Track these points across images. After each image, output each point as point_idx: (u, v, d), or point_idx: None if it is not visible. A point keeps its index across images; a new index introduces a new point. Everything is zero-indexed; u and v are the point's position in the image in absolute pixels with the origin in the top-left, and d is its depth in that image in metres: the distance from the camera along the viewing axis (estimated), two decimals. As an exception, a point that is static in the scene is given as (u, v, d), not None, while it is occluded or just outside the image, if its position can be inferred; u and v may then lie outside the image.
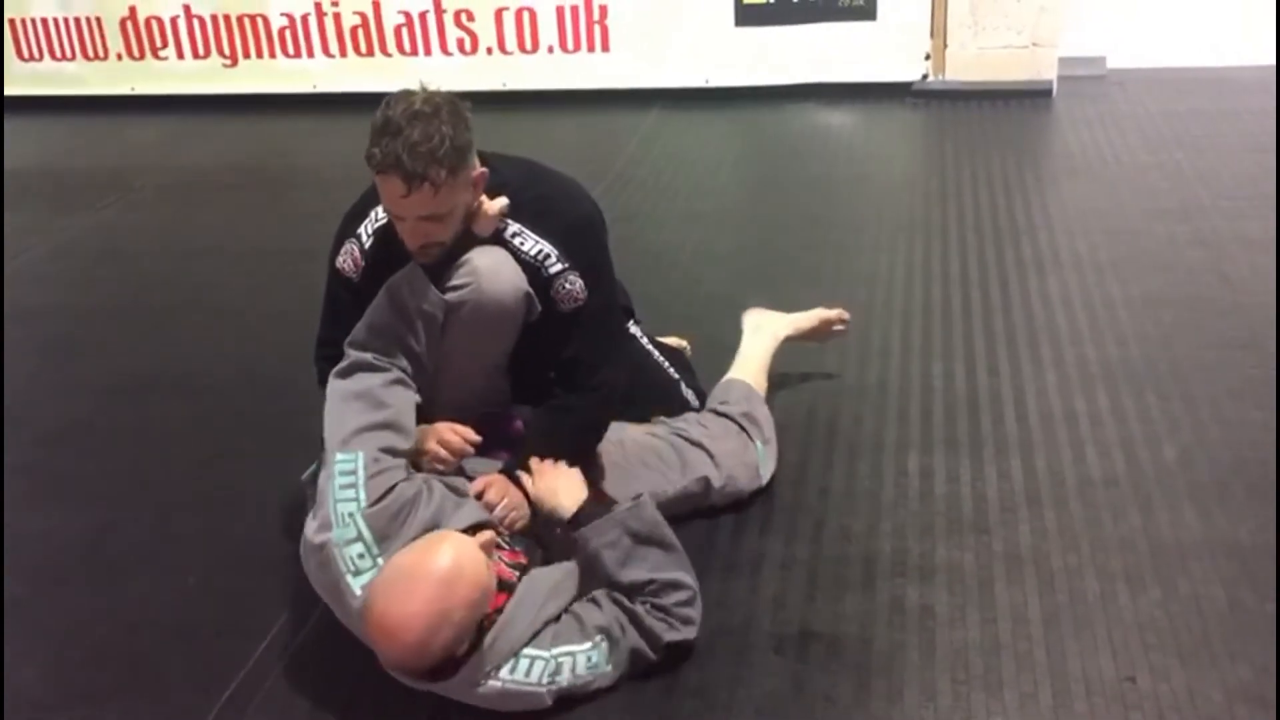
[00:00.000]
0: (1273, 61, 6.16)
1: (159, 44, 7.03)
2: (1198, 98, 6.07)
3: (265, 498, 3.16)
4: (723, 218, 5.11)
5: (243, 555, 2.99)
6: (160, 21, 6.97)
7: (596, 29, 6.58)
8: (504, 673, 2.31)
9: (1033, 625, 2.55)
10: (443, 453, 2.66)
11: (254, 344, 4.14)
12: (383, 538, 2.37)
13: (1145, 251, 4.36)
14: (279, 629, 2.70)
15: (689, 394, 3.19)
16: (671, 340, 3.42)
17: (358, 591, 2.34)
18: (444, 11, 6.68)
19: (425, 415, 2.67)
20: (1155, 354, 3.62)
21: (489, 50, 6.72)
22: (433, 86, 2.52)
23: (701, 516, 2.94)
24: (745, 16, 6.43)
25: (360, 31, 6.80)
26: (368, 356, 2.60)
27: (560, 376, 2.76)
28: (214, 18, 6.91)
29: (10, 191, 5.75)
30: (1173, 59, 6.49)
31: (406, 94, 2.48)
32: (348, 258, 2.72)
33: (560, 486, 2.60)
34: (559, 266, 2.67)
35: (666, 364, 3.20)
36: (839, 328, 3.58)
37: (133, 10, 6.97)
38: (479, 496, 2.58)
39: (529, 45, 6.67)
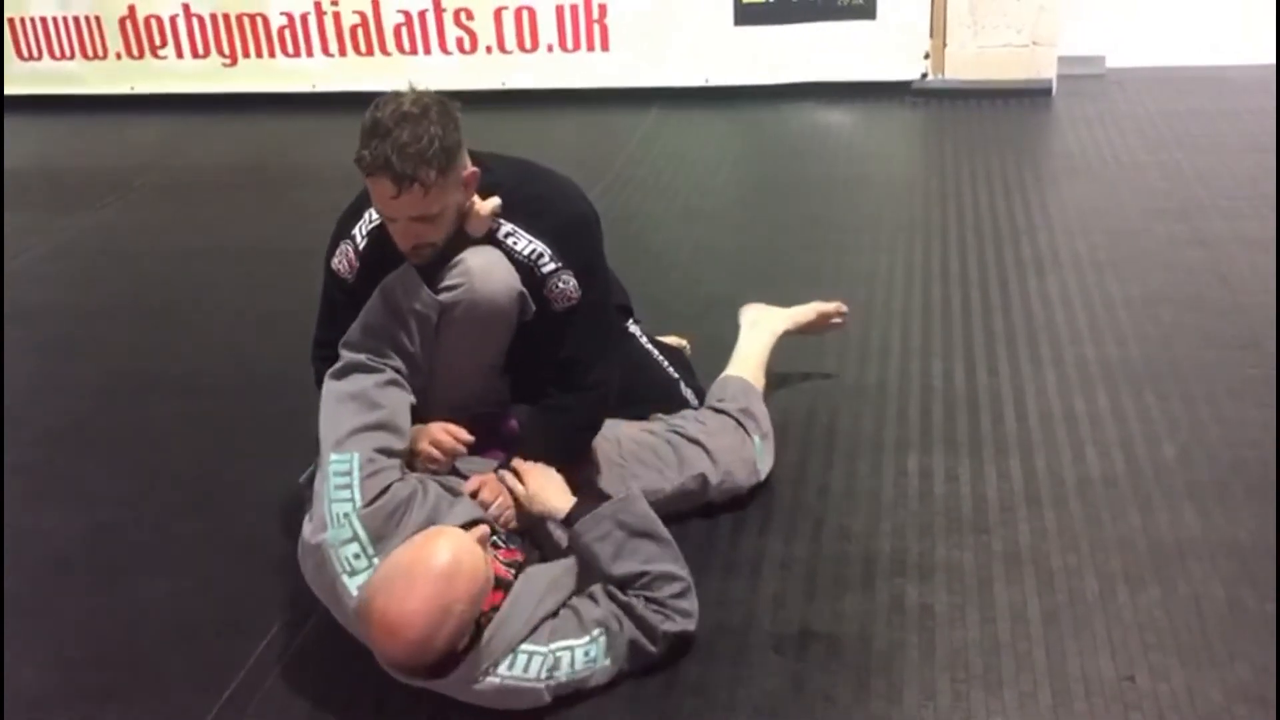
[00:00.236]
0: (1272, 61, 6.15)
1: (158, 43, 7.02)
2: (1197, 97, 6.07)
3: (266, 497, 3.17)
4: (722, 217, 5.11)
5: (242, 555, 2.99)
6: (160, 21, 6.97)
7: (596, 28, 6.57)
8: (502, 669, 2.31)
9: (1032, 625, 2.55)
10: (435, 453, 2.66)
11: (254, 343, 4.14)
12: (378, 538, 2.37)
13: (1144, 251, 4.36)
14: (279, 628, 2.70)
15: (688, 393, 3.19)
16: (671, 339, 3.42)
17: (354, 592, 2.34)
18: (443, 10, 6.67)
19: (421, 415, 2.68)
20: (1154, 354, 3.62)
21: (488, 49, 6.71)
22: (422, 86, 2.52)
23: (700, 515, 2.95)
24: (745, 16, 6.43)
25: (360, 31, 6.80)
26: (362, 358, 2.60)
27: (554, 376, 2.76)
28: (213, 17, 6.90)
29: (10, 191, 5.75)
30: (1172, 58, 6.49)
31: (395, 95, 2.48)
32: (343, 259, 2.72)
33: (549, 485, 2.61)
34: (552, 266, 2.67)
35: (666, 363, 3.21)
36: (837, 321, 3.58)
37: (132, 9, 6.96)
38: (473, 495, 2.58)
39: (528, 44, 6.67)
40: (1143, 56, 6.50)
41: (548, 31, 6.63)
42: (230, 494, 3.26)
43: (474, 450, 2.73)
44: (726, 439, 3.00)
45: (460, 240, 2.62)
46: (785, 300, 3.56)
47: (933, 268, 4.33)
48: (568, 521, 2.54)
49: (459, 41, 6.72)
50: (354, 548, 2.36)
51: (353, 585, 2.34)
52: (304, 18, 6.82)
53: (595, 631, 2.40)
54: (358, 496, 2.41)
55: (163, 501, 3.26)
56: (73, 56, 7.14)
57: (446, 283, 2.61)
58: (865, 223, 4.81)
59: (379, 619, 2.23)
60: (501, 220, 2.66)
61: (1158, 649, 2.46)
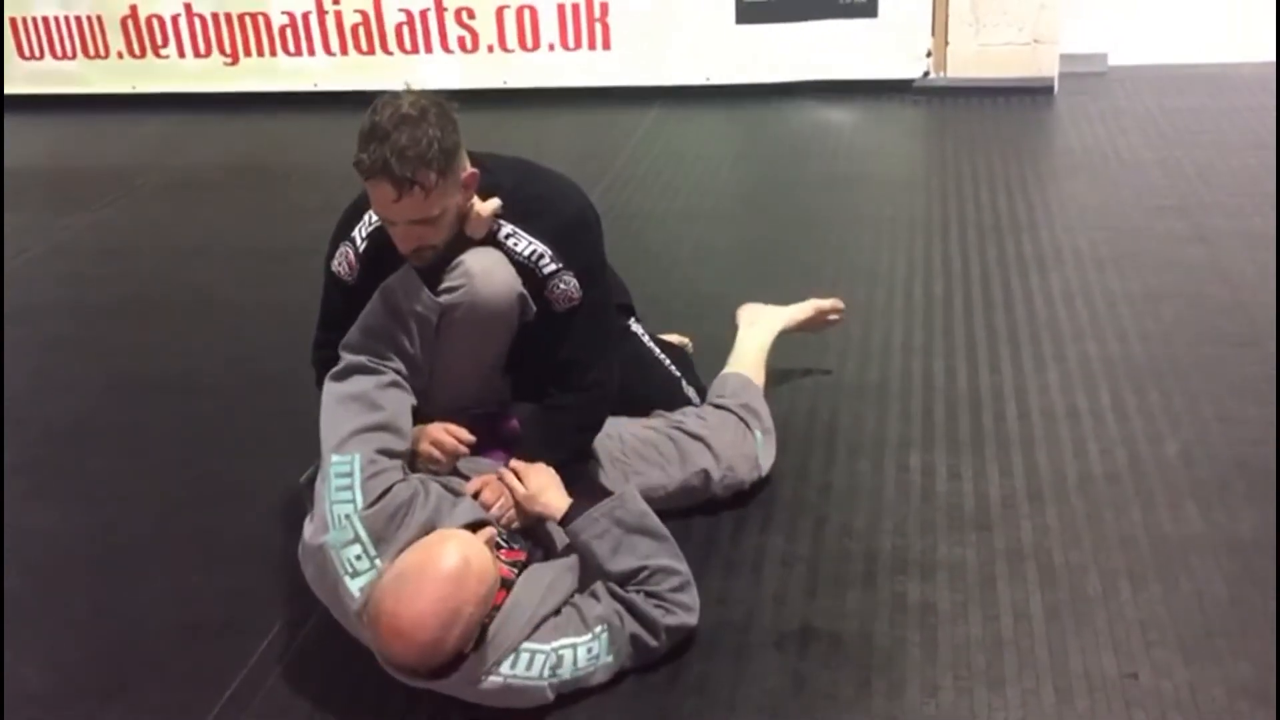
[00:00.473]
0: (1274, 58, 6.15)
1: (160, 42, 7.02)
2: (1199, 94, 6.07)
3: (267, 496, 3.17)
4: (723, 216, 5.11)
5: (244, 553, 2.99)
6: (161, 20, 6.97)
7: (597, 26, 6.58)
8: (504, 668, 2.31)
9: (1035, 622, 2.55)
10: (436, 453, 2.66)
11: (256, 342, 4.14)
12: (380, 539, 2.37)
13: (1146, 248, 4.36)
14: (280, 627, 2.70)
15: (690, 391, 3.19)
16: (672, 338, 3.42)
17: (356, 594, 2.34)
18: (445, 10, 6.68)
19: (422, 417, 2.67)
20: (1156, 350, 3.62)
21: (490, 48, 6.72)
22: (421, 87, 2.51)
23: (702, 513, 2.95)
24: (746, 14, 6.43)
25: (361, 30, 6.80)
26: (363, 359, 2.60)
27: (555, 376, 2.75)
28: (215, 16, 6.91)
29: (12, 190, 5.75)
30: (1174, 56, 6.49)
31: (392, 98, 2.47)
32: (342, 261, 2.72)
33: (549, 485, 2.61)
34: (553, 267, 2.66)
35: (668, 361, 3.20)
36: (834, 317, 3.58)
37: (134, 9, 6.97)
38: (475, 496, 2.58)
39: (530, 43, 6.67)
40: (1144, 54, 6.50)
41: (549, 30, 6.63)
42: (232, 493, 3.26)
43: (475, 450, 2.73)
44: (728, 434, 3.00)
45: (460, 242, 2.62)
46: (787, 299, 3.56)
47: (934, 265, 4.33)
48: (564, 521, 2.54)
49: (460, 40, 6.72)
50: (356, 549, 2.36)
51: (354, 587, 2.34)
52: (305, 17, 6.82)
53: (598, 629, 2.40)
54: (359, 498, 2.40)
55: (164, 500, 3.26)
56: (75, 56, 7.15)
57: (447, 284, 2.60)
58: (867, 221, 4.81)
59: (388, 622, 2.23)
60: (502, 221, 2.66)
61: (1160, 646, 2.46)
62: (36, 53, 7.19)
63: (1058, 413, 3.33)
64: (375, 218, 2.62)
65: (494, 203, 2.62)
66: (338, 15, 6.79)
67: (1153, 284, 4.06)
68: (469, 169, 2.54)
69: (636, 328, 3.18)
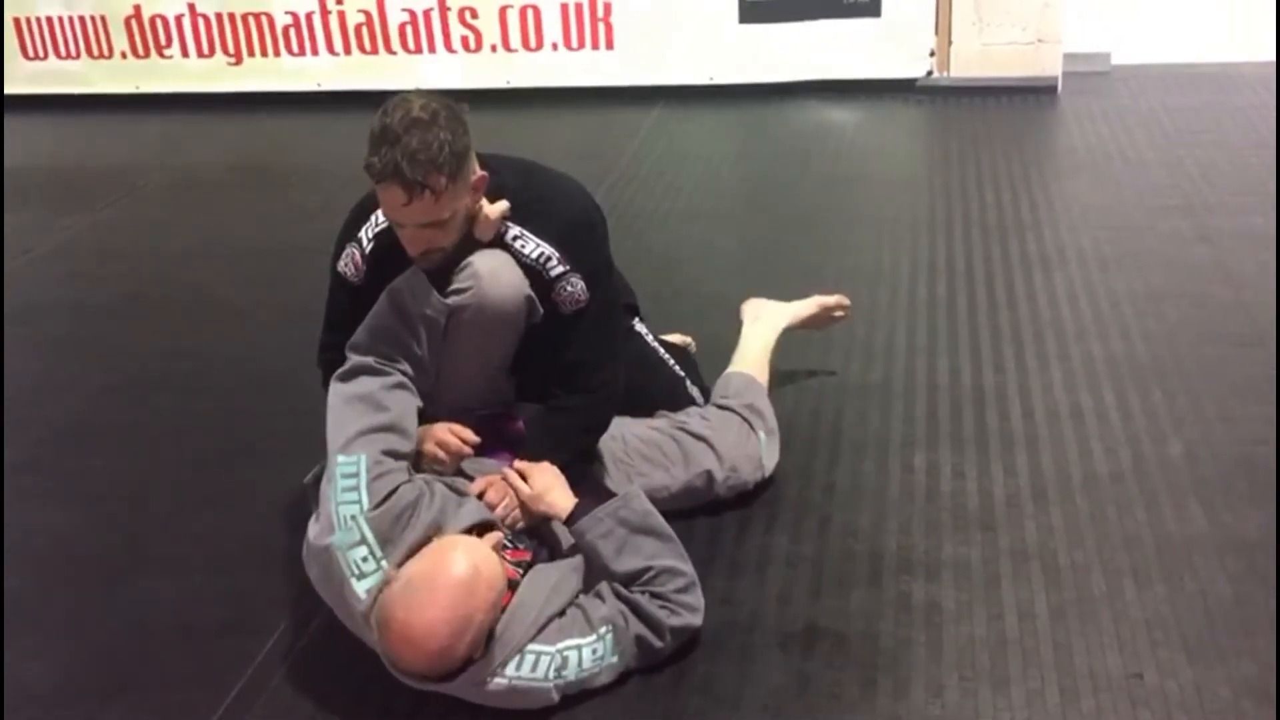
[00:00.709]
0: (1275, 58, 6.14)
1: (163, 42, 7.02)
2: (1203, 94, 6.07)
3: (271, 496, 3.17)
4: (726, 215, 5.11)
5: (246, 554, 2.99)
6: (165, 20, 6.97)
7: (600, 26, 6.57)
8: (510, 669, 2.31)
9: (1039, 621, 2.55)
10: (441, 454, 2.66)
11: (259, 342, 4.14)
12: (386, 540, 2.36)
13: (1149, 247, 4.36)
14: (285, 627, 2.70)
15: (694, 391, 3.19)
16: (675, 338, 3.42)
17: (362, 595, 2.33)
18: (448, 9, 6.67)
19: (427, 417, 2.67)
20: (1160, 350, 3.62)
21: (493, 48, 6.71)
22: (428, 87, 2.51)
23: (706, 513, 2.95)
24: (749, 14, 6.42)
25: (364, 30, 6.80)
26: (369, 360, 2.60)
27: (561, 377, 2.75)
28: (218, 16, 6.90)
29: (15, 190, 5.75)
30: (1178, 55, 6.48)
31: (403, 100, 2.45)
32: (349, 262, 2.71)
33: (554, 485, 2.61)
34: (560, 269, 2.67)
35: (672, 361, 3.20)
36: (839, 314, 3.57)
37: (137, 9, 6.97)
38: (480, 496, 2.58)
39: (533, 43, 6.67)
40: (1148, 53, 6.49)
41: (552, 30, 6.62)
42: (235, 493, 3.26)
43: (480, 451, 2.73)
44: (732, 435, 3.00)
45: (468, 244, 2.62)
46: (790, 298, 3.55)
47: (938, 264, 4.33)
48: (569, 521, 2.54)
49: (464, 40, 6.72)
50: (362, 550, 2.36)
51: (361, 589, 2.34)
52: (309, 17, 6.82)
53: (603, 629, 2.39)
54: (365, 499, 2.40)
55: (167, 500, 3.26)
56: (78, 56, 7.14)
57: (455, 286, 2.60)
58: (870, 220, 4.81)
59: (399, 630, 2.23)
60: (509, 224, 2.66)
61: (1165, 645, 2.45)
62: (40, 52, 7.18)
63: (1061, 412, 3.33)
64: (382, 218, 2.62)
65: (502, 205, 2.62)
66: (341, 15, 6.79)
67: (1156, 283, 4.05)
68: (478, 172, 2.53)
69: (640, 328, 3.18)
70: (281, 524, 3.04)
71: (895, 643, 2.52)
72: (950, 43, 6.34)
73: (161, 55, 7.04)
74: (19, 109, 6.99)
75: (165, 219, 5.52)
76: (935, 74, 6.40)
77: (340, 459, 2.46)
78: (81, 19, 7.06)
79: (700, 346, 3.49)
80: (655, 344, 3.20)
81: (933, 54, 6.37)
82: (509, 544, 2.49)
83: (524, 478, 2.63)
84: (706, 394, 3.20)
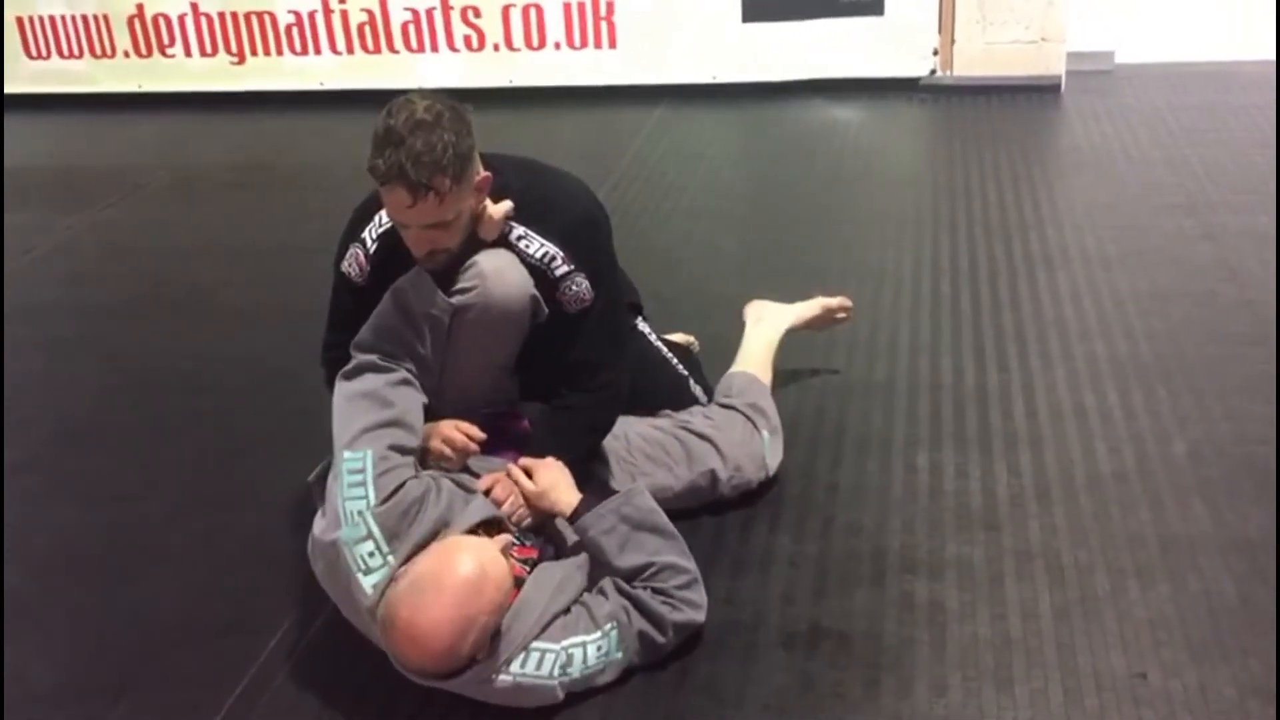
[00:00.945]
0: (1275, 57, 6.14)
1: (166, 42, 7.03)
2: (1206, 92, 6.06)
3: (274, 495, 3.16)
4: (729, 214, 5.10)
5: (251, 552, 2.99)
6: (168, 19, 6.97)
7: (603, 25, 6.57)
8: (514, 667, 2.31)
9: (1043, 621, 2.55)
10: (447, 451, 2.66)
11: (262, 341, 4.14)
12: (392, 536, 2.36)
13: (1153, 246, 4.35)
14: (289, 626, 2.70)
15: (697, 391, 3.19)
16: (678, 337, 3.41)
17: (369, 590, 2.33)
18: (451, 8, 6.68)
19: (432, 416, 2.67)
20: (1164, 349, 3.61)
21: (495, 47, 6.72)
22: (430, 86, 2.50)
23: (710, 512, 2.94)
24: (752, 12, 6.42)
25: (367, 29, 6.80)
26: (374, 358, 2.60)
27: (565, 377, 2.75)
28: (221, 15, 6.91)
29: (17, 189, 5.75)
30: (1181, 54, 6.48)
31: (407, 101, 2.45)
32: (352, 262, 2.71)
33: (559, 482, 2.61)
34: (565, 269, 2.66)
35: (675, 361, 3.20)
36: (841, 316, 3.57)
37: (140, 8, 6.98)
38: (486, 493, 2.58)
39: (536, 42, 6.67)
40: (1152, 52, 6.49)
41: (555, 29, 6.63)
42: (238, 492, 3.27)
43: (486, 450, 2.72)
44: (735, 434, 3.00)
45: (473, 244, 2.61)
46: (793, 298, 3.55)
47: (942, 264, 4.33)
48: (573, 518, 2.54)
49: (466, 39, 6.73)
50: (369, 546, 2.35)
51: (368, 584, 2.34)
52: (311, 16, 6.82)
53: (607, 626, 2.40)
54: (371, 494, 2.40)
55: (171, 499, 3.26)
56: (81, 55, 7.15)
57: (459, 285, 2.60)
58: (873, 219, 4.80)
59: (405, 629, 2.23)
60: (514, 224, 2.66)
61: (1169, 645, 2.45)
62: (43, 52, 7.19)
63: (1065, 411, 3.33)
64: (385, 218, 2.62)
65: (506, 205, 2.62)
66: (343, 14, 6.79)
67: (1160, 282, 4.05)
68: (482, 172, 2.53)
69: (643, 327, 3.18)
70: (283, 523, 3.04)
71: (898, 642, 2.52)
72: (953, 42, 6.33)
73: (164, 54, 7.05)
74: (22, 108, 7.00)
75: (167, 218, 5.52)
76: (938, 73, 6.40)
77: (346, 454, 2.46)
78: (84, 18, 7.07)
79: (703, 345, 3.49)
80: (658, 343, 3.19)
81: (936, 53, 6.37)
82: (517, 541, 2.49)
83: (529, 474, 2.63)
84: (710, 393, 3.20)
